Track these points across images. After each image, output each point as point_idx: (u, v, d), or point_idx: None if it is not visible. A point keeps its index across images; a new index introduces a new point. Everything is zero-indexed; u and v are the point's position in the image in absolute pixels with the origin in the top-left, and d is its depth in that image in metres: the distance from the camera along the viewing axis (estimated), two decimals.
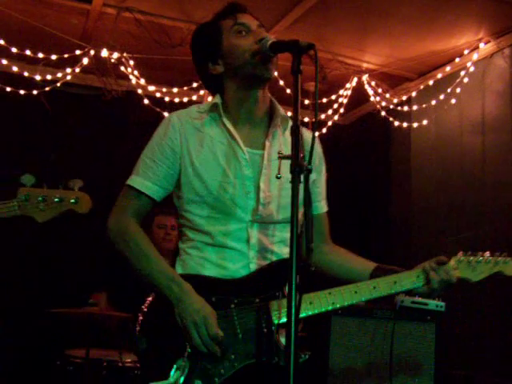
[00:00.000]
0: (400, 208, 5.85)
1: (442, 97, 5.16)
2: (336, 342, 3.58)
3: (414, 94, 5.57)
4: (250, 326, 1.86)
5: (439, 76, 5.27)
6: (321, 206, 2.22)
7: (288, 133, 1.89)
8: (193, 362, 1.82)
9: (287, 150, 1.69)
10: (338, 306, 1.93)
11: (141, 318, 1.92)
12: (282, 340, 1.85)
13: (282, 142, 2.06)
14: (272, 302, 1.87)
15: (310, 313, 1.89)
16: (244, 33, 1.99)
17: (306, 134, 1.98)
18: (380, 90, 5.48)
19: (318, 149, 2.19)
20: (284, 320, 1.84)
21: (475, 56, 4.88)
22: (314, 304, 1.89)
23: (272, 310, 1.86)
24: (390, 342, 3.50)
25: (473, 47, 4.88)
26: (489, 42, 4.78)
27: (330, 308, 1.92)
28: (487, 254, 2.07)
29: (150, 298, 1.95)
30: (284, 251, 1.98)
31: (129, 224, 1.99)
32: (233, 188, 1.95)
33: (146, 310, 1.93)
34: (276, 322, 1.85)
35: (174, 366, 1.80)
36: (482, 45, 4.82)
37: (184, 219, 2.04)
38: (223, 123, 2.02)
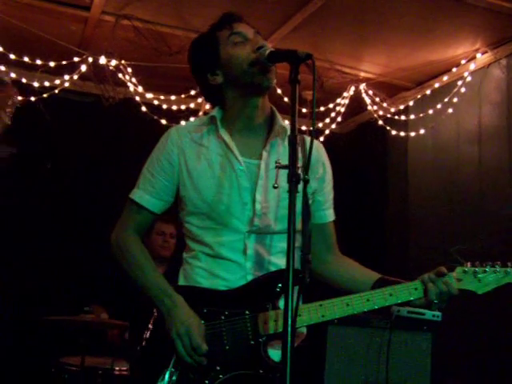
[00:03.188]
0: (397, 216, 5.85)
1: (439, 106, 5.17)
2: (332, 351, 3.57)
3: (411, 103, 5.58)
4: (237, 338, 1.87)
5: (436, 85, 5.28)
6: (325, 214, 2.18)
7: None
8: (179, 371, 1.85)
9: (286, 160, 1.68)
10: (327, 318, 1.89)
11: (148, 333, 1.95)
12: (270, 352, 1.86)
13: (281, 151, 2.05)
14: (261, 314, 1.88)
15: (299, 325, 1.87)
16: (241, 42, 1.99)
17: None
18: (377, 99, 5.49)
19: (323, 157, 2.18)
20: (271, 332, 1.85)
21: (472, 66, 4.90)
22: (303, 316, 1.88)
23: (260, 322, 1.87)
24: (386, 351, 3.49)
25: (470, 57, 4.90)
26: (486, 52, 4.80)
27: (319, 321, 1.88)
28: (498, 263, 1.96)
29: (154, 315, 1.98)
30: (283, 261, 1.96)
31: (127, 238, 2.06)
32: (229, 199, 1.96)
33: (151, 326, 1.97)
34: (263, 334, 1.85)
35: (161, 376, 1.83)
36: (478, 55, 4.84)
37: (185, 230, 2.08)
38: (220, 135, 2.03)
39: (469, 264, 1.98)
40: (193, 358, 1.83)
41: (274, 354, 1.88)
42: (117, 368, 3.89)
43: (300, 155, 1.97)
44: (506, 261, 2.02)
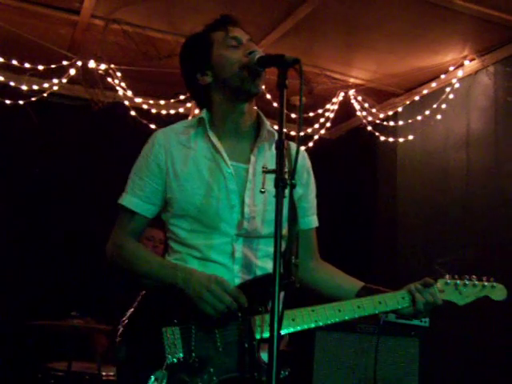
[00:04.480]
0: (385, 222, 5.87)
1: (427, 112, 5.20)
2: (320, 356, 3.57)
3: (400, 109, 5.60)
4: (231, 340, 1.85)
5: (425, 92, 5.31)
6: (309, 221, 2.20)
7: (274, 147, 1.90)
8: (171, 374, 1.80)
9: (273, 165, 1.69)
10: (320, 323, 1.92)
11: (121, 329, 1.90)
12: (263, 355, 1.84)
13: (268, 156, 2.06)
14: (254, 317, 1.86)
15: (292, 330, 1.89)
16: (235, 46, 2.01)
17: (294, 149, 2.00)
18: (366, 105, 5.51)
19: (307, 163, 2.20)
20: (266, 335, 1.83)
21: (460, 73, 4.94)
22: (297, 321, 1.89)
23: (254, 326, 1.85)
24: (373, 356, 3.49)
25: (458, 64, 4.93)
26: (473, 59, 4.84)
27: (312, 325, 1.91)
28: (474, 277, 2.08)
29: (130, 310, 1.94)
30: (269, 265, 1.96)
31: (123, 241, 2.03)
32: (217, 202, 1.95)
33: (126, 321, 1.92)
34: (257, 337, 1.84)
35: (152, 377, 1.79)
36: (466, 62, 4.87)
37: (170, 232, 2.05)
38: (208, 137, 2.02)
39: (447, 276, 2.07)
40: (225, 300, 1.80)
41: (265, 356, 1.87)
42: (104, 373, 3.86)
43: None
44: (482, 271, 2.08)
